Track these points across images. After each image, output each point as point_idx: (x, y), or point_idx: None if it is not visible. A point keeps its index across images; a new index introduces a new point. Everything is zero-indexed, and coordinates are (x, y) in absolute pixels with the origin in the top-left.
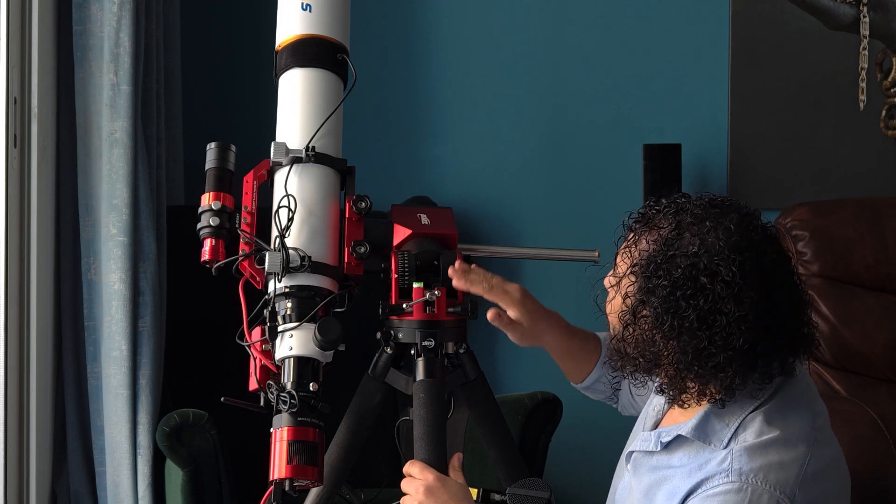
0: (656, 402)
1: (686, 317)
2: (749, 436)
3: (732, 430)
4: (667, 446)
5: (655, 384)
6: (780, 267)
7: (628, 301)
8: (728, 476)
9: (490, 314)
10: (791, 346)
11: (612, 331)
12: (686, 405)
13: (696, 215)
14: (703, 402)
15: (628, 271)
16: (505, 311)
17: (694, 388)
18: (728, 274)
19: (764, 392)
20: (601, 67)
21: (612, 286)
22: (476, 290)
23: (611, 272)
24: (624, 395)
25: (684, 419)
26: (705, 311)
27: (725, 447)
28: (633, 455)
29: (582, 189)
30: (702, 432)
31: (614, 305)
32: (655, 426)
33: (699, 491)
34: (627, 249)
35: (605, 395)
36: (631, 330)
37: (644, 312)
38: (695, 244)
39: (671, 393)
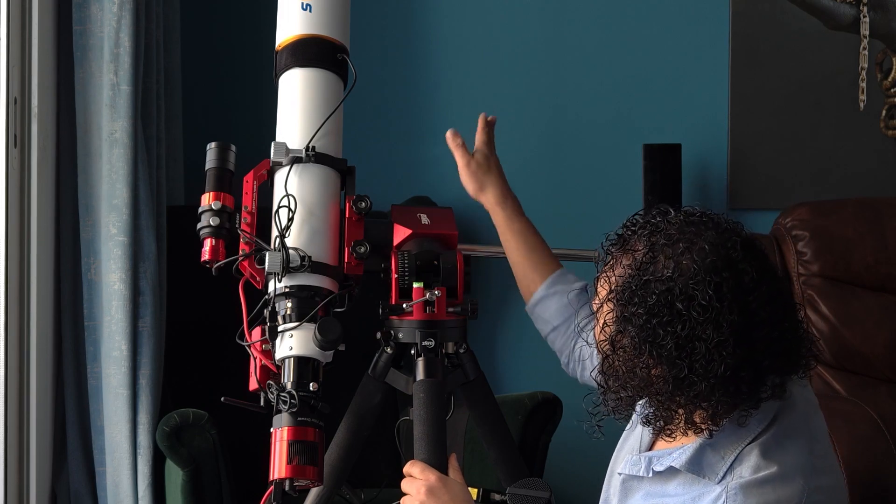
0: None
1: (664, 345)
2: (745, 471)
3: (728, 463)
4: (659, 473)
5: (640, 416)
6: (762, 284)
7: (607, 330)
8: None
9: (450, 131)
10: (778, 368)
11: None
12: (673, 436)
13: (669, 236)
14: (689, 434)
15: (606, 298)
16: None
17: (680, 418)
18: (704, 298)
19: (761, 421)
20: (601, 67)
21: (592, 314)
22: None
23: (595, 296)
24: (584, 355)
25: (678, 444)
26: (683, 338)
27: (720, 481)
28: (623, 478)
29: (582, 189)
30: (696, 465)
31: (595, 333)
32: (651, 447)
33: None
34: (606, 274)
35: (549, 329)
36: (611, 360)
37: (623, 342)
38: (669, 268)
39: (657, 424)
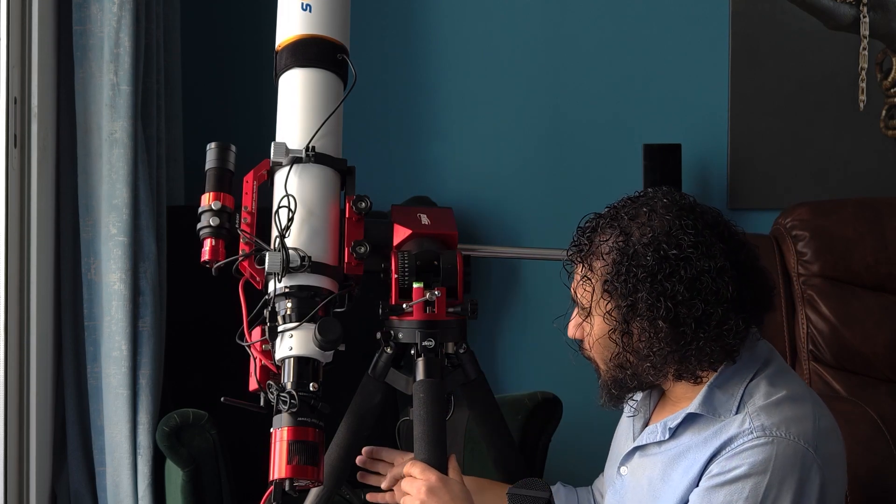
0: (626, 420)
1: (677, 292)
2: (759, 399)
3: (738, 398)
4: (674, 432)
5: (670, 376)
6: (720, 218)
7: (612, 317)
8: (752, 433)
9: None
10: (763, 290)
11: (603, 365)
12: (701, 379)
13: (629, 212)
14: (718, 367)
15: (597, 297)
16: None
17: (704, 357)
18: (690, 238)
19: (756, 362)
20: (601, 68)
21: (582, 323)
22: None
23: (574, 315)
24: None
25: (680, 408)
26: (689, 279)
27: (737, 413)
28: (638, 451)
29: (582, 189)
30: (709, 406)
31: (595, 335)
32: (645, 426)
33: (723, 453)
34: (585, 281)
35: None
36: (628, 340)
37: (637, 313)
38: (647, 233)
39: (688, 374)
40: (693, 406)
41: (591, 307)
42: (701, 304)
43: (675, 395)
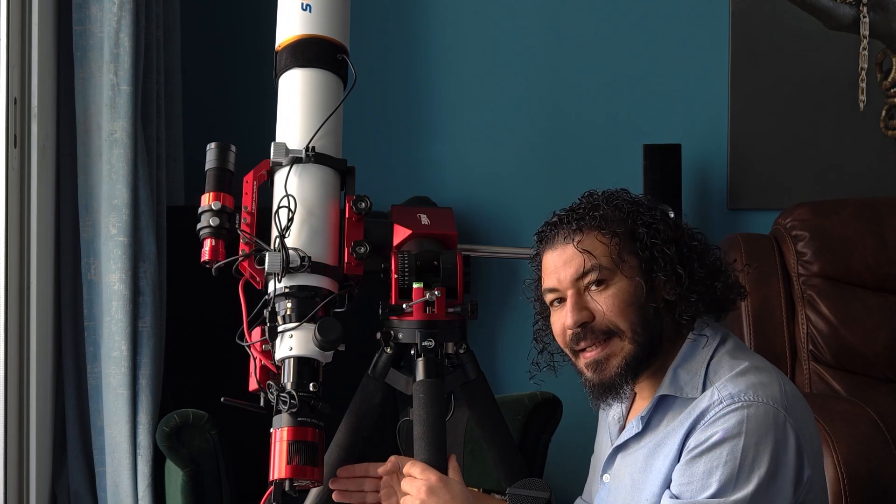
0: (604, 430)
1: (684, 243)
2: (723, 372)
3: (702, 375)
4: (648, 422)
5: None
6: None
7: (638, 274)
8: (722, 403)
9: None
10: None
11: (632, 332)
12: (669, 362)
13: (611, 204)
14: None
15: (617, 259)
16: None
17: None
18: (673, 222)
19: (714, 339)
20: (601, 67)
21: (597, 297)
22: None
23: (570, 302)
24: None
25: (649, 401)
26: (688, 237)
27: (704, 390)
28: (620, 452)
29: (582, 189)
30: (675, 386)
31: (625, 300)
32: (620, 431)
33: (698, 427)
34: (600, 247)
35: None
36: (657, 294)
37: (660, 268)
38: (644, 210)
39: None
40: (661, 389)
41: (618, 268)
42: (700, 253)
43: (645, 394)
